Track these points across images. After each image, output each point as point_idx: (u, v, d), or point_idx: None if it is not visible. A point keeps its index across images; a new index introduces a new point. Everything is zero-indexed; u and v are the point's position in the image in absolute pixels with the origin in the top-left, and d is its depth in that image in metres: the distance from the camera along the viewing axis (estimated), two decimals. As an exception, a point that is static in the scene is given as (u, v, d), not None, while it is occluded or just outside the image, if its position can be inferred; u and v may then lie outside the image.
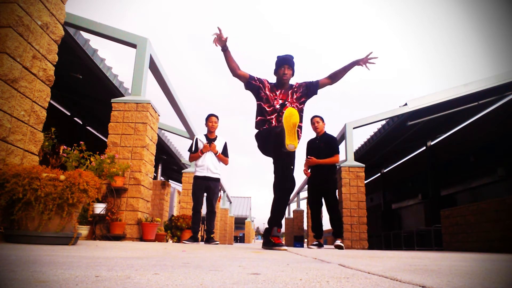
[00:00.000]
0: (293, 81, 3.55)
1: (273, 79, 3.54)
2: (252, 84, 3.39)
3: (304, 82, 3.51)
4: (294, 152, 3.21)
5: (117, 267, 1.06)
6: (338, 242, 5.12)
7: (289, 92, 3.42)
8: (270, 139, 3.22)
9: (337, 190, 5.60)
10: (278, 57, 3.49)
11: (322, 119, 5.48)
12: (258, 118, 3.37)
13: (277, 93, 3.40)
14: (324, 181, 5.23)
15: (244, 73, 3.38)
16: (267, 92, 3.38)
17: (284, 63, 3.40)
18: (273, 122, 3.30)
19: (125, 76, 7.04)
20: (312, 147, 5.40)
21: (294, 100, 3.39)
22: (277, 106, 3.33)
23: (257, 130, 3.41)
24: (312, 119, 5.51)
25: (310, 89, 3.45)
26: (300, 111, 3.40)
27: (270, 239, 3.27)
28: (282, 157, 3.16)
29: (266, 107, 3.33)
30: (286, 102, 3.36)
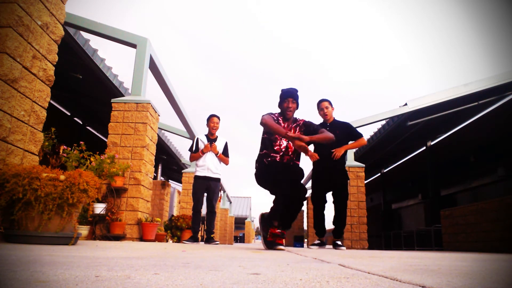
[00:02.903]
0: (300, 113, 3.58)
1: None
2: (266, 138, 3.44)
3: (308, 121, 3.51)
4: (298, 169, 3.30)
5: (117, 267, 1.06)
6: (339, 242, 4.96)
7: (292, 127, 3.45)
8: (273, 173, 3.25)
9: (348, 182, 5.00)
10: (282, 90, 3.51)
11: (331, 103, 4.87)
12: (264, 151, 3.40)
13: (284, 126, 3.42)
14: (337, 173, 4.74)
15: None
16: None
17: (288, 96, 3.40)
18: (277, 159, 3.34)
19: (125, 76, 7.05)
20: None
21: None
22: (283, 143, 3.36)
23: (257, 165, 3.44)
24: (319, 103, 4.87)
25: (309, 130, 3.45)
26: (298, 155, 3.46)
27: (271, 236, 3.25)
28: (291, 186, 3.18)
29: (273, 143, 3.37)
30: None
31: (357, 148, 4.63)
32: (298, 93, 3.49)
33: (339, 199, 4.83)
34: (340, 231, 4.94)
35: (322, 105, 4.86)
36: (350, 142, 4.91)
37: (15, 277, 0.78)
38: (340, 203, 4.84)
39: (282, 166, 3.28)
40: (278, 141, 3.37)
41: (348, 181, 4.97)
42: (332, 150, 4.65)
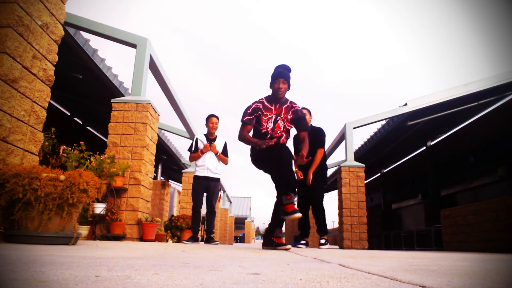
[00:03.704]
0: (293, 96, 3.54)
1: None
2: (254, 124, 3.39)
3: (296, 110, 3.43)
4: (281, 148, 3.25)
5: (117, 267, 1.06)
6: (322, 241, 5.07)
7: (284, 107, 3.40)
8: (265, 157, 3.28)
9: (323, 191, 5.28)
10: (274, 69, 3.44)
11: (309, 111, 5.15)
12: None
13: (272, 108, 3.39)
14: (310, 185, 4.94)
15: (250, 128, 3.38)
16: (263, 115, 3.37)
17: (279, 77, 3.34)
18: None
19: (125, 76, 7.04)
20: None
21: (288, 119, 3.38)
22: (269, 126, 3.34)
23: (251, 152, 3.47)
24: None
25: (297, 123, 3.43)
26: (288, 132, 3.46)
27: (272, 239, 3.28)
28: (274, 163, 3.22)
29: (260, 129, 3.35)
30: (278, 119, 3.35)
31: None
32: (291, 73, 3.42)
33: (314, 199, 5.06)
34: (322, 229, 5.15)
35: None
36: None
37: (15, 277, 0.78)
38: (315, 203, 5.07)
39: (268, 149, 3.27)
40: (264, 124, 3.34)
41: (324, 182, 5.15)
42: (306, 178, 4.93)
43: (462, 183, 11.17)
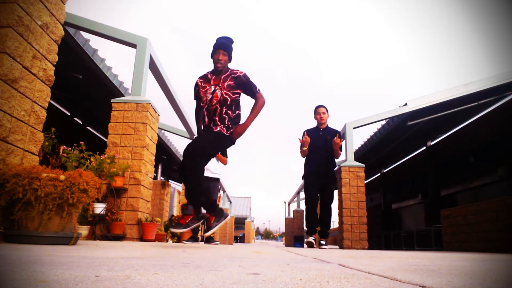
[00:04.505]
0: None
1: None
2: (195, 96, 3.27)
3: (245, 78, 3.14)
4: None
5: (117, 267, 1.06)
6: (323, 243, 5.10)
7: (222, 77, 3.14)
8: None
9: (334, 188, 5.45)
10: (216, 39, 3.20)
11: (327, 110, 5.37)
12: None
13: (211, 79, 3.18)
14: (325, 175, 5.12)
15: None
16: (201, 89, 3.19)
17: (219, 48, 3.11)
18: (205, 116, 3.14)
19: (125, 76, 7.04)
20: (316, 139, 5.21)
21: (225, 86, 3.10)
22: (208, 97, 3.11)
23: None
24: (317, 108, 5.33)
25: (246, 90, 3.18)
26: (232, 101, 3.12)
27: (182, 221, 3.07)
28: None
29: (201, 104, 3.19)
30: (216, 89, 3.10)
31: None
32: (233, 45, 3.21)
33: (324, 199, 5.22)
34: (326, 231, 5.28)
35: (319, 110, 5.33)
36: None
37: (15, 277, 0.78)
38: (326, 202, 5.21)
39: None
40: (203, 96, 3.15)
41: (335, 183, 5.33)
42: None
43: (462, 183, 11.17)
